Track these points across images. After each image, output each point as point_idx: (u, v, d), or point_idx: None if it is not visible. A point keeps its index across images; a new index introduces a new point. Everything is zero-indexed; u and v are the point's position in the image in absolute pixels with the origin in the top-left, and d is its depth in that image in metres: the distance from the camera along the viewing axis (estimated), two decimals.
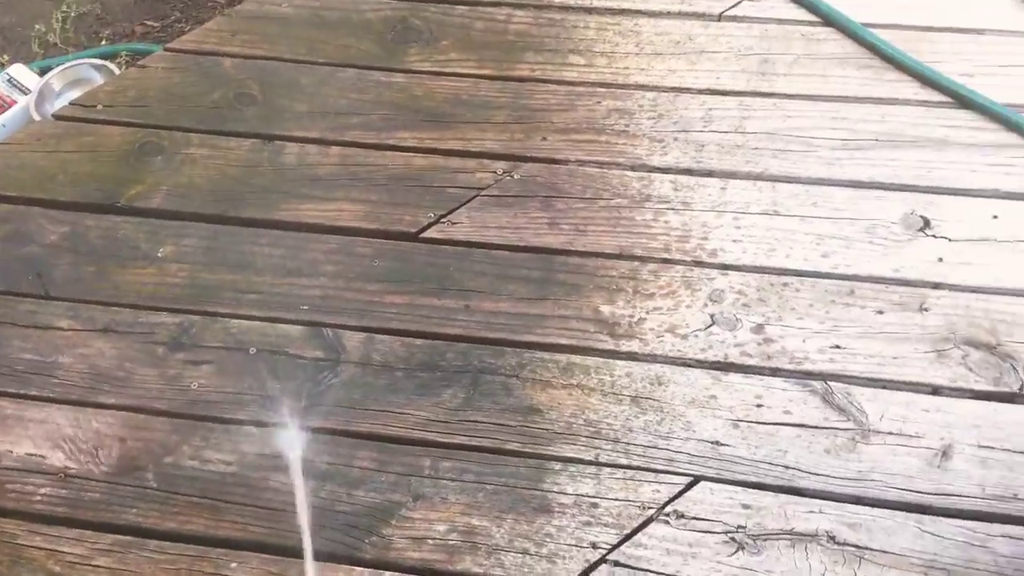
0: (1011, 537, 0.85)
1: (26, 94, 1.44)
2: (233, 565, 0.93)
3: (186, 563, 0.93)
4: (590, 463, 0.94)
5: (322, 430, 0.99)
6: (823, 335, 0.98)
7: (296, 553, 0.92)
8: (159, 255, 1.12)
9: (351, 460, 0.97)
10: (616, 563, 0.88)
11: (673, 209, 1.10)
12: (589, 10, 1.30)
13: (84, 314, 1.08)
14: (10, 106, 1.44)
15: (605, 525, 0.90)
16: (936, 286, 1.00)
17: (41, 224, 1.15)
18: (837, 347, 0.97)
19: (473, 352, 1.02)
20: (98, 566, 0.94)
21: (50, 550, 0.94)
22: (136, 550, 0.94)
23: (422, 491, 0.95)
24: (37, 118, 1.40)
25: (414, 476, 0.96)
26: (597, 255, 1.08)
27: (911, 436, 0.91)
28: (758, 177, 1.12)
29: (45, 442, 1.00)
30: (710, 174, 1.13)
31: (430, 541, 0.92)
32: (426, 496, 0.95)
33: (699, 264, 1.05)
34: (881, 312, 0.99)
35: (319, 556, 0.91)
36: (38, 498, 0.97)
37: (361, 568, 0.91)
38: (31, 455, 0.99)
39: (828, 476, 0.90)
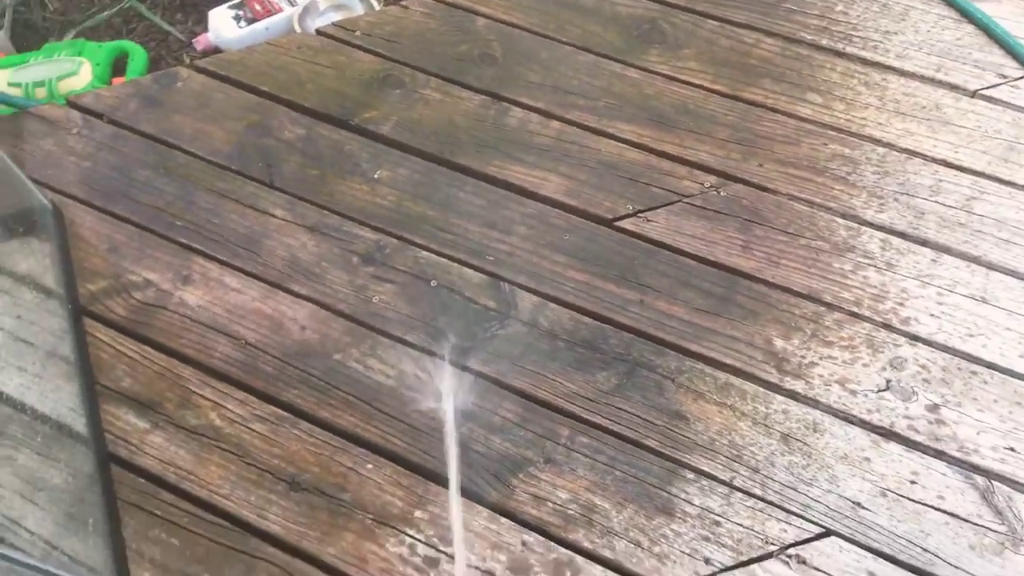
0: None
1: (293, 6, 1.58)
2: (369, 467, 1.00)
3: (328, 452, 1.02)
4: (724, 483, 0.94)
5: (478, 373, 1.05)
6: (1000, 434, 0.94)
7: (426, 474, 0.99)
8: (375, 176, 1.21)
9: (496, 408, 1.02)
10: None
11: (875, 267, 1.07)
12: (840, 54, 1.29)
13: (298, 209, 1.19)
14: (276, 12, 1.59)
15: (723, 545, 0.91)
16: None
17: (283, 122, 1.27)
18: (1012, 450, 0.92)
19: (636, 344, 1.05)
20: (253, 429, 1.04)
21: (216, 403, 1.05)
22: (289, 426, 1.04)
23: (554, 456, 0.99)
24: (298, 30, 1.53)
25: (550, 440, 1.00)
26: (784, 289, 1.07)
27: None
28: (974, 260, 1.07)
29: (236, 309, 1.11)
30: (924, 243, 1.09)
31: (550, 504, 0.96)
32: (557, 462, 0.99)
33: (888, 327, 1.02)
34: None
35: (443, 483, 0.99)
36: (217, 355, 1.08)
37: (480, 507, 0.96)
38: (221, 316, 1.11)
39: (965, 571, 0.86)
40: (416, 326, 1.09)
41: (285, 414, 1.03)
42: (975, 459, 0.93)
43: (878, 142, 1.19)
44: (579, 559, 0.91)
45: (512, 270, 1.12)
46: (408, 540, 0.93)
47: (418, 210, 1.18)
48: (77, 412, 1.06)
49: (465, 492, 0.97)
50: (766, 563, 0.89)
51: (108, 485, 1.03)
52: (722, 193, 1.16)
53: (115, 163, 1.26)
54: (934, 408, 0.96)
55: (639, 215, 1.15)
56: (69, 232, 1.22)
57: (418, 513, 0.95)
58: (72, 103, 1.32)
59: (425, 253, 1.14)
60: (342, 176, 1.22)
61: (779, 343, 1.03)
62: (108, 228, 1.20)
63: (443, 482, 0.97)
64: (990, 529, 0.89)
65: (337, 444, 1.01)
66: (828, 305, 1.05)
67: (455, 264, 1.13)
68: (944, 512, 0.90)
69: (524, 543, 0.93)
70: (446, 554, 0.93)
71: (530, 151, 1.22)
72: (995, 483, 0.91)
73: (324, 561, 0.94)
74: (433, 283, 1.12)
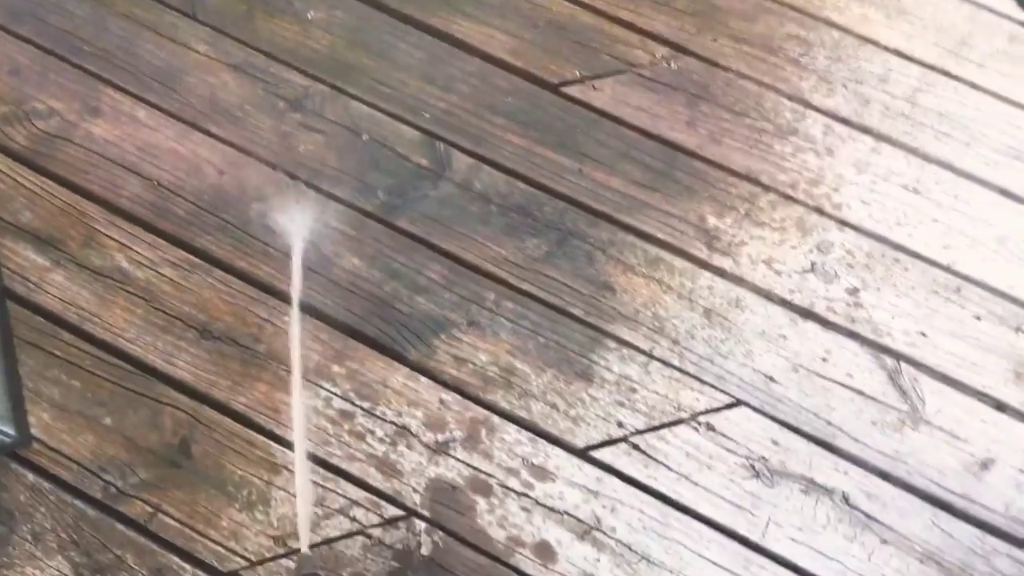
0: (1016, 560, 0.85)
1: None
2: (285, 318, 0.97)
3: (245, 302, 0.98)
4: (643, 353, 0.95)
5: (405, 233, 1.02)
6: (913, 319, 0.96)
7: (345, 329, 0.95)
8: (308, 16, 1.12)
9: (422, 269, 0.99)
10: (635, 446, 0.90)
11: (816, 151, 1.07)
12: None
13: (222, 45, 1.10)
14: None
15: (637, 411, 0.92)
16: None
17: None
18: (923, 334, 0.95)
19: (570, 213, 1.02)
20: (163, 274, 0.99)
21: (124, 244, 0.99)
22: (202, 274, 0.99)
23: (478, 319, 0.97)
24: None
25: (475, 304, 0.98)
26: (723, 168, 1.05)
27: (959, 439, 0.90)
28: (912, 151, 1.07)
29: (149, 147, 1.03)
30: (866, 131, 1.09)
31: (470, 365, 0.95)
32: (480, 325, 0.97)
33: (820, 211, 1.02)
34: (978, 318, 0.97)
35: (369, 343, 0.95)
36: (126, 194, 1.01)
37: (400, 365, 0.95)
38: (131, 153, 1.03)
39: (866, 445, 0.90)
40: (343, 180, 1.04)
41: (198, 261, 0.98)
42: (887, 341, 0.95)
43: (834, 25, 1.16)
44: (495, 418, 0.91)
45: (449, 129, 1.06)
46: (324, 393, 0.91)
47: (353, 57, 1.11)
48: None
49: (386, 350, 0.96)
50: (676, 428, 0.90)
51: (4, 321, 0.97)
52: (673, 66, 1.12)
53: None
54: (854, 291, 0.98)
55: (586, 82, 1.10)
56: None
57: (335, 367, 0.93)
58: None
59: (358, 104, 1.07)
60: (272, 13, 1.12)
61: (712, 221, 1.02)
62: (10, 48, 1.09)
63: (362, 338, 0.95)
64: (893, 408, 0.92)
65: (253, 295, 0.97)
66: (764, 186, 1.04)
67: (389, 118, 1.07)
68: (851, 389, 0.92)
69: (442, 401, 0.92)
70: (362, 408, 0.92)
71: (479, 5, 1.14)
72: (903, 364, 0.94)
73: (234, 409, 0.91)
74: (365, 137, 1.06)
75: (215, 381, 0.93)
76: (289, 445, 0.90)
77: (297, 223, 0.99)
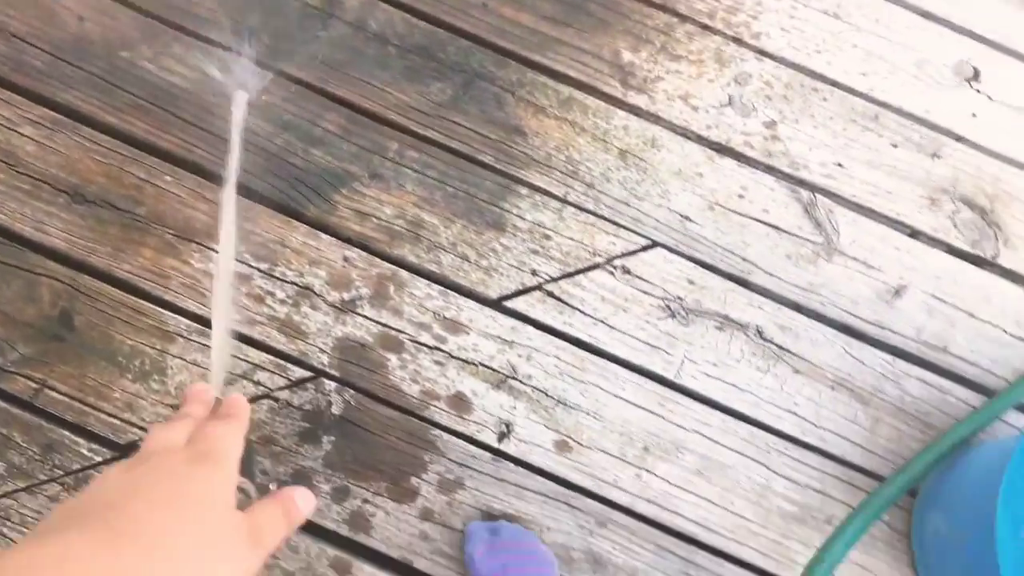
0: (925, 382, 0.87)
1: None
2: (168, 179, 0.88)
3: (118, 161, 0.89)
4: (557, 198, 0.90)
5: (294, 80, 0.92)
6: (831, 150, 0.94)
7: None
8: None
9: (316, 119, 0.91)
10: (550, 293, 0.88)
11: None
12: None
13: None
14: None
15: (551, 258, 0.89)
16: (959, 138, 0.95)
17: None
18: (839, 165, 0.93)
19: (476, 54, 0.95)
20: (24, 135, 0.88)
21: None
22: (67, 132, 0.89)
23: (381, 172, 0.91)
24: None
25: (377, 155, 0.91)
26: None
27: (872, 267, 0.90)
28: None
29: None
30: None
31: (375, 219, 0.89)
32: (383, 177, 0.91)
33: (738, 41, 0.96)
34: (895, 146, 0.94)
35: (263, 201, 0.89)
36: None
37: (298, 223, 0.89)
38: None
39: (780, 279, 0.89)
40: (223, 24, 0.93)
41: (62, 118, 0.88)
42: (803, 174, 0.93)
43: None
44: (403, 273, 0.87)
45: None
46: (215, 255, 0.85)
47: None
48: None
49: (282, 208, 0.89)
50: (591, 273, 0.88)
51: None
52: None
53: None
54: (771, 124, 0.94)
55: None
56: None
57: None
58: None
59: None
60: None
61: (627, 56, 0.96)
62: None
63: (256, 196, 0.87)
64: (808, 240, 0.91)
65: (127, 153, 0.88)
66: (681, 16, 0.97)
67: None
68: (767, 224, 0.90)
69: (345, 258, 0.87)
70: (259, 270, 0.86)
71: None
72: (819, 196, 0.92)
73: (117, 277, 0.85)
74: None
75: (93, 248, 0.85)
76: (182, 312, 0.85)
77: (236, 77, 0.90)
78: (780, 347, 0.86)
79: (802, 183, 0.92)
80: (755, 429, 0.85)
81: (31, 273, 0.84)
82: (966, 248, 0.91)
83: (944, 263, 0.90)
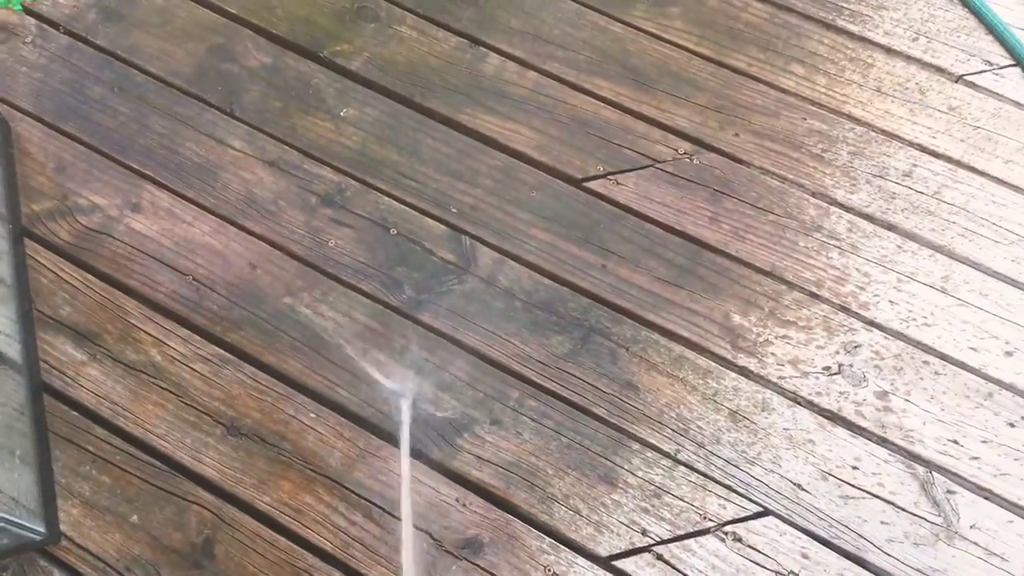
0: None
1: None
2: (312, 415, 0.98)
3: (272, 398, 0.99)
4: (668, 456, 0.94)
5: (429, 328, 1.03)
6: (945, 426, 0.94)
7: (369, 427, 0.97)
8: (341, 114, 1.16)
9: (445, 364, 1.00)
10: (659, 556, 0.89)
11: (840, 249, 1.06)
12: (828, 26, 1.24)
13: (258, 142, 1.14)
14: None
15: (661, 518, 0.91)
16: None
17: (248, 47, 1.20)
18: (955, 442, 0.93)
19: (594, 310, 1.03)
20: (195, 369, 1.01)
21: (158, 339, 1.02)
22: (232, 368, 1.01)
23: (501, 418, 0.98)
24: None
25: (498, 402, 0.98)
26: (747, 264, 1.05)
27: (995, 555, 0.87)
28: (938, 249, 1.06)
29: (185, 242, 1.06)
30: (891, 228, 1.07)
31: (493, 465, 0.95)
32: (503, 424, 0.97)
33: (846, 310, 1.01)
34: (1012, 425, 0.94)
35: (394, 441, 0.97)
36: (163, 289, 1.04)
37: (421, 464, 0.95)
38: (169, 248, 1.07)
39: (898, 560, 0.87)
40: (371, 274, 1.06)
41: (229, 356, 1.01)
42: (918, 449, 0.93)
43: (857, 121, 1.15)
44: (517, 522, 0.91)
45: (474, 224, 1.08)
46: (348, 494, 0.92)
47: (383, 153, 1.14)
48: (12, 338, 1.02)
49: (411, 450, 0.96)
50: (703, 539, 0.89)
51: (40, 416, 1.00)
52: (695, 161, 1.13)
53: (69, 77, 1.19)
54: (883, 395, 0.96)
55: (609, 177, 1.12)
56: (16, 147, 1.16)
57: (359, 467, 0.94)
58: (28, 9, 1.25)
59: (387, 199, 1.10)
60: (306, 111, 1.16)
61: (736, 319, 1.02)
62: (57, 146, 1.14)
63: (386, 437, 0.95)
64: (926, 520, 0.89)
65: (281, 391, 0.99)
66: (789, 284, 1.04)
67: (416, 213, 1.09)
68: (882, 500, 0.90)
69: (464, 503, 0.92)
70: (383, 509, 0.92)
71: (504, 101, 1.17)
72: (935, 474, 0.91)
73: (257, 509, 0.93)
74: (393, 231, 1.08)
75: (240, 479, 0.94)
76: (313, 549, 0.91)
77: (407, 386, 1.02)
78: None
79: (917, 458, 0.92)
80: None
81: (183, 500, 0.93)
82: None
83: None
